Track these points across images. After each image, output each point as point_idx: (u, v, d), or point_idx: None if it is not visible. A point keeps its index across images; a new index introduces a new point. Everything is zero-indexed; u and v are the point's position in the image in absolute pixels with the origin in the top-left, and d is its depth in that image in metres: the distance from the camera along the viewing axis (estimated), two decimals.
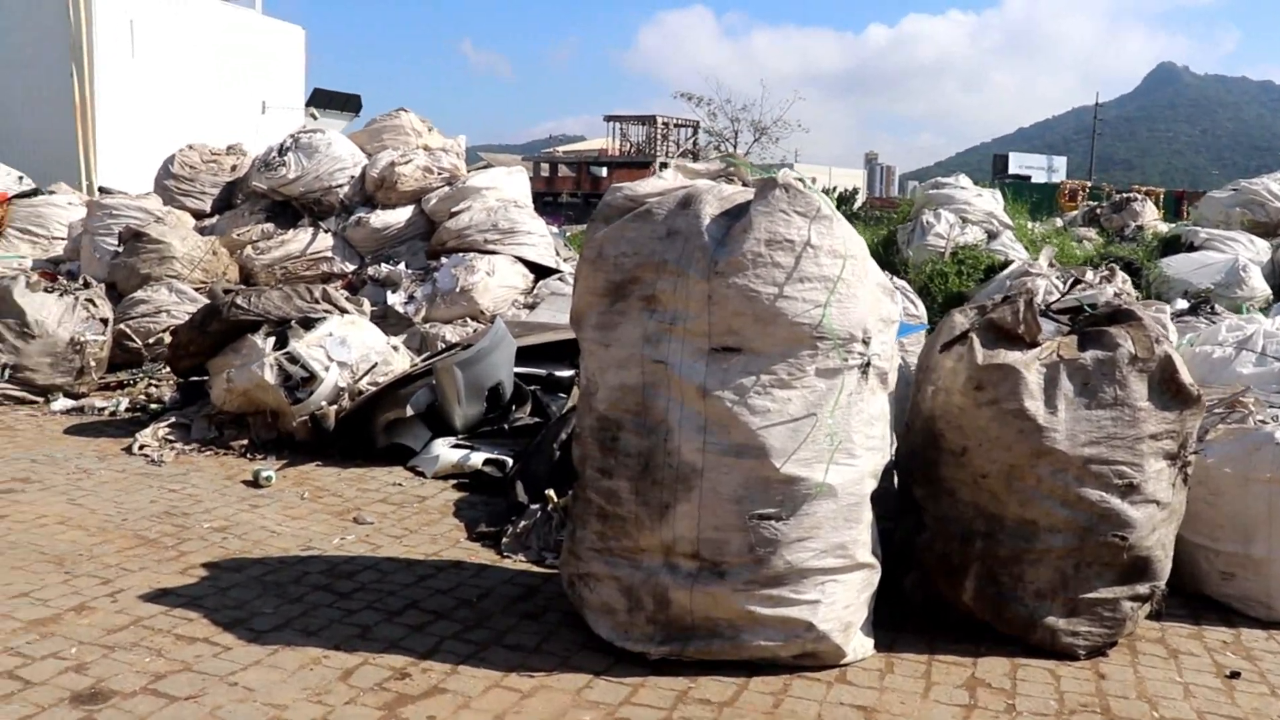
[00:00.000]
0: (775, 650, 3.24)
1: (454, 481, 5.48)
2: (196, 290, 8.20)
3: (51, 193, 12.18)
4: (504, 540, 4.49)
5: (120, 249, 8.59)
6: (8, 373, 6.86)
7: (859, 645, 3.35)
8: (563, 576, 3.65)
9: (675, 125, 53.30)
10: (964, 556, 3.50)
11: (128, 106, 21.20)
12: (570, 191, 51.64)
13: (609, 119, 57.01)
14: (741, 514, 3.16)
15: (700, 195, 3.33)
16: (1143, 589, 3.57)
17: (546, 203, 43.78)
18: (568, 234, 15.04)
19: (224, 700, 3.06)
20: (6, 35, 21.99)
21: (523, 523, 4.58)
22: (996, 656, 3.46)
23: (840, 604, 3.26)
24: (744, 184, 3.62)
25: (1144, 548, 3.52)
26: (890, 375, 3.49)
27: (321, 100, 29.41)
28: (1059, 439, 3.46)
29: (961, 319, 3.81)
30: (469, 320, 8.30)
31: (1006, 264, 10.58)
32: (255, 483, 5.31)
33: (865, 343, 3.34)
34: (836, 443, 3.28)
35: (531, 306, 8.38)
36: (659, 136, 52.87)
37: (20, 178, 13.87)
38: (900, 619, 3.66)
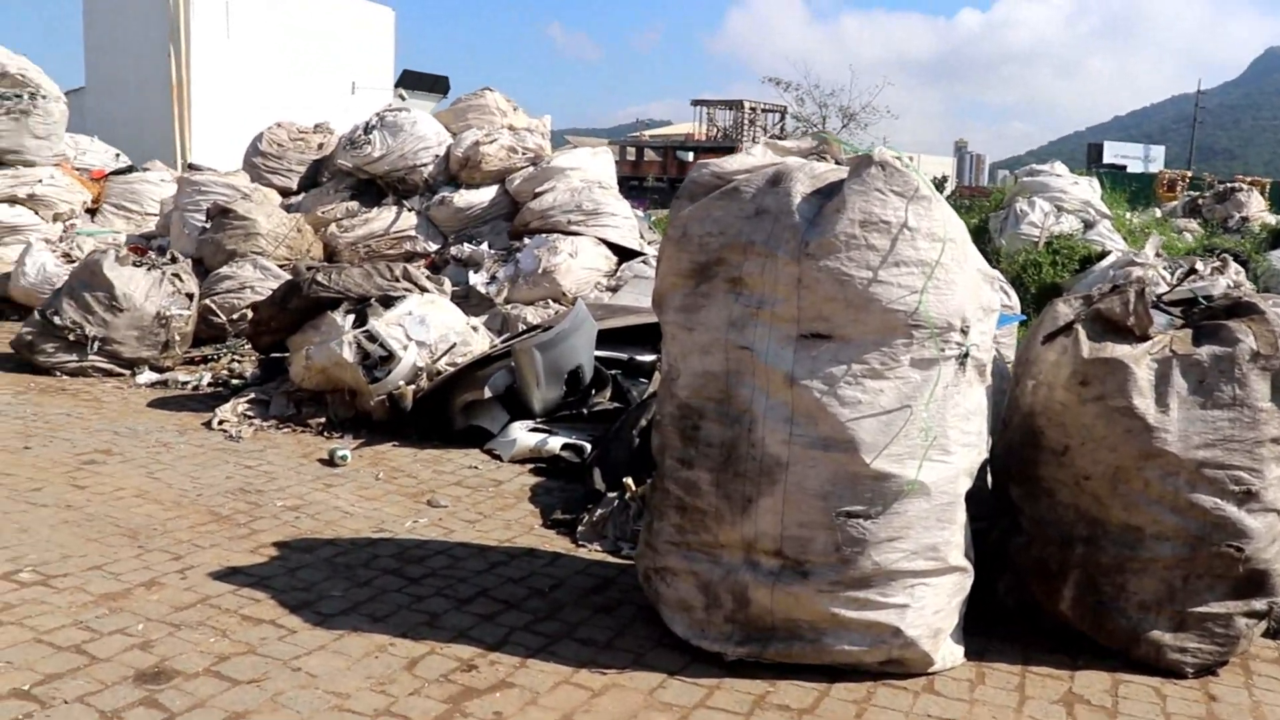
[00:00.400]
0: (859, 655, 3.09)
1: (530, 466, 5.38)
2: (280, 267, 8.19)
3: (146, 170, 12.27)
4: (579, 529, 4.39)
5: (208, 225, 8.59)
6: (96, 345, 6.93)
7: (948, 653, 3.19)
8: (638, 569, 3.53)
9: (763, 110, 52.85)
10: (1062, 562, 3.29)
11: (222, 87, 21.55)
12: (656, 176, 51.52)
13: (696, 103, 56.74)
14: (828, 510, 3.00)
15: (791, 173, 3.16)
16: (1259, 605, 3.31)
17: (632, 187, 43.72)
18: (652, 217, 14.99)
19: (286, 686, 2.97)
20: (108, 18, 22.51)
21: (599, 511, 4.47)
22: (1095, 670, 3.27)
23: (930, 609, 3.07)
24: (837, 162, 3.41)
25: (1262, 560, 3.26)
26: (988, 367, 3.25)
27: (410, 81, 29.60)
28: (1170, 440, 3.21)
29: (1066, 309, 3.57)
30: (550, 302, 8.20)
31: (1103, 254, 10.17)
32: (330, 461, 5.26)
33: (963, 332, 3.13)
34: (931, 438, 3.08)
35: (614, 289, 8.27)
36: (746, 121, 52.48)
37: (117, 155, 14.14)
38: (991, 625, 3.47)
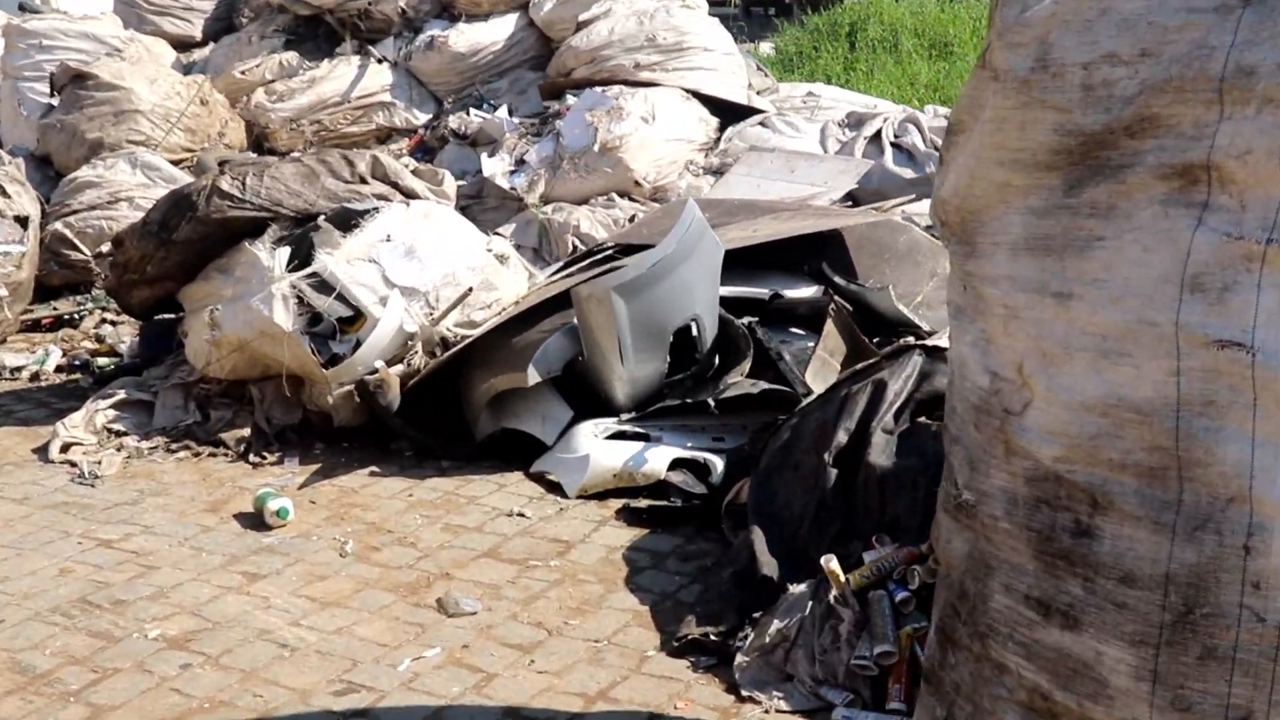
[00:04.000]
0: None
1: (618, 504, 4.88)
2: (176, 165, 7.90)
3: None
4: (738, 661, 3.67)
5: (54, 101, 8.31)
6: None
7: None
8: None
9: None
10: None
11: None
12: None
13: None
14: None
15: None
16: None
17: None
18: (760, 50, 14.16)
19: None
20: None
21: (774, 625, 3.72)
22: None
23: None
24: None
25: None
26: None
27: None
28: None
29: None
30: (616, 198, 7.67)
31: None
32: (259, 520, 4.74)
33: None
34: None
35: (718, 171, 7.81)
36: None
37: None
38: None
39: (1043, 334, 2.34)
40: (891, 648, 3.31)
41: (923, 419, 3.92)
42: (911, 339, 4.36)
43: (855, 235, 5.84)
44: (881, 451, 3.83)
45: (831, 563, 3.67)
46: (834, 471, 4.11)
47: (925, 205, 6.84)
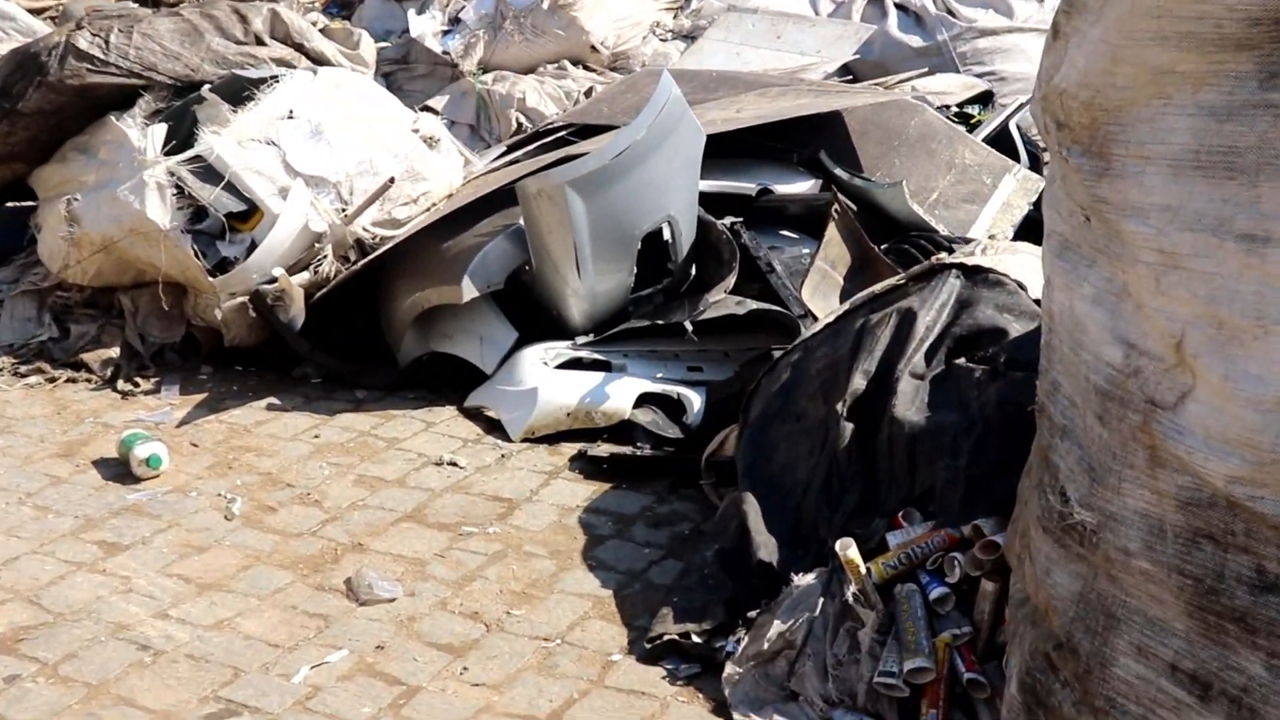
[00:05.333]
0: None
1: (572, 447, 4.73)
2: (39, 14, 7.87)
3: None
4: (728, 672, 3.48)
5: None
6: None
7: None
8: None
9: None
10: None
11: None
12: None
13: None
14: None
15: None
16: None
17: None
18: None
19: None
20: None
21: (775, 626, 3.47)
22: None
23: None
24: None
25: None
26: None
27: None
28: None
29: None
30: (570, 67, 7.62)
31: None
32: (125, 468, 4.49)
33: None
34: None
35: (690, 36, 7.78)
36: None
37: None
38: None
39: (1219, 295, 2.03)
40: (926, 662, 3.06)
41: (961, 360, 3.57)
42: (944, 256, 3.95)
43: (858, 118, 5.64)
44: (910, 402, 3.53)
45: (849, 550, 3.37)
46: (849, 426, 3.78)
47: (938, 80, 6.59)
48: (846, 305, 4.31)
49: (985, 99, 6.37)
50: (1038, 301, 3.58)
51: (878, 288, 4.10)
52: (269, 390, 5.08)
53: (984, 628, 3.13)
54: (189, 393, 5.05)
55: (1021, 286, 3.68)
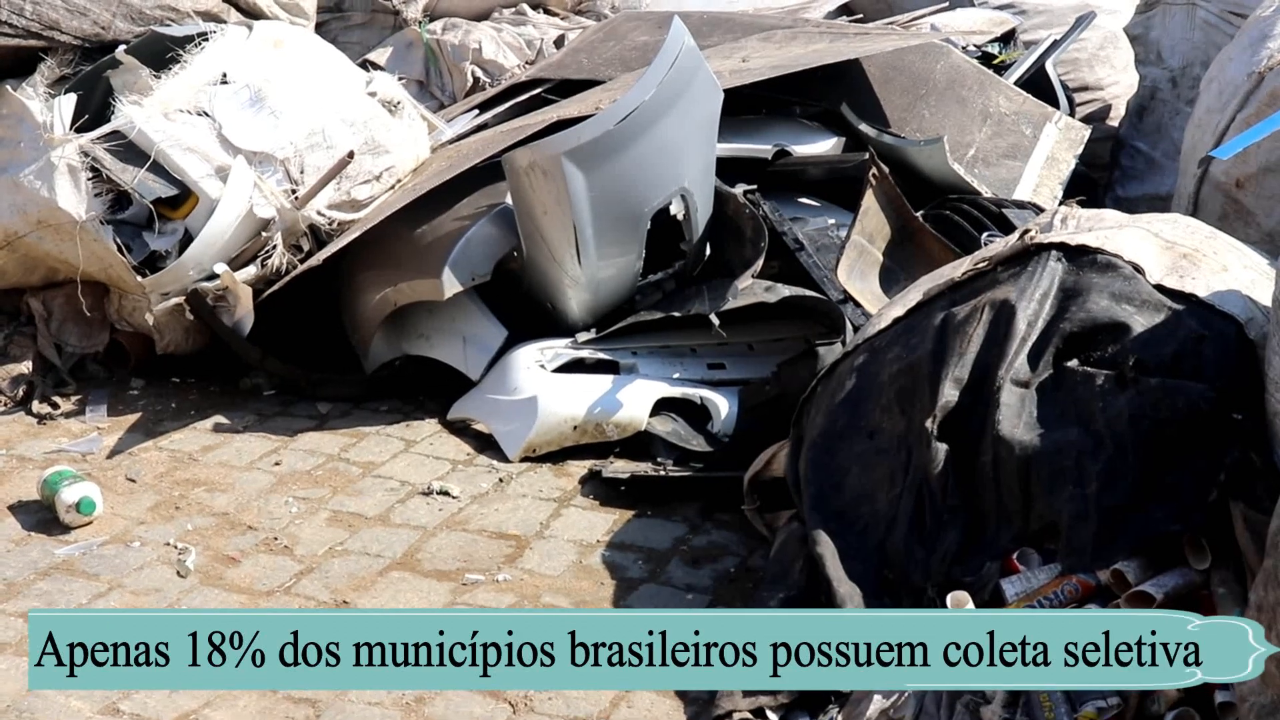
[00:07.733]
0: None
1: (581, 465, 4.50)
2: None
3: None
4: None
5: None
6: None
7: None
8: None
9: None
10: None
11: None
12: None
13: None
14: None
15: None
16: None
17: None
18: None
19: None
20: None
21: (876, 701, 3.17)
22: None
23: None
24: None
25: None
26: None
27: None
28: None
29: None
30: (529, 11, 7.06)
31: None
32: (52, 514, 4.11)
33: None
34: None
35: None
36: None
37: None
38: None
39: None
40: None
41: (1074, 363, 3.15)
42: (1035, 232, 3.51)
43: (879, 64, 5.39)
44: (1017, 416, 3.10)
45: (967, 605, 3.06)
46: (941, 447, 3.31)
47: (959, 16, 6.24)
48: (918, 295, 3.84)
49: (1006, 37, 6.05)
50: (1159, 288, 3.18)
51: (955, 273, 3.62)
52: (214, 407, 4.78)
53: (1133, 697, 2.78)
54: (119, 413, 4.73)
55: (1138, 270, 3.21)
